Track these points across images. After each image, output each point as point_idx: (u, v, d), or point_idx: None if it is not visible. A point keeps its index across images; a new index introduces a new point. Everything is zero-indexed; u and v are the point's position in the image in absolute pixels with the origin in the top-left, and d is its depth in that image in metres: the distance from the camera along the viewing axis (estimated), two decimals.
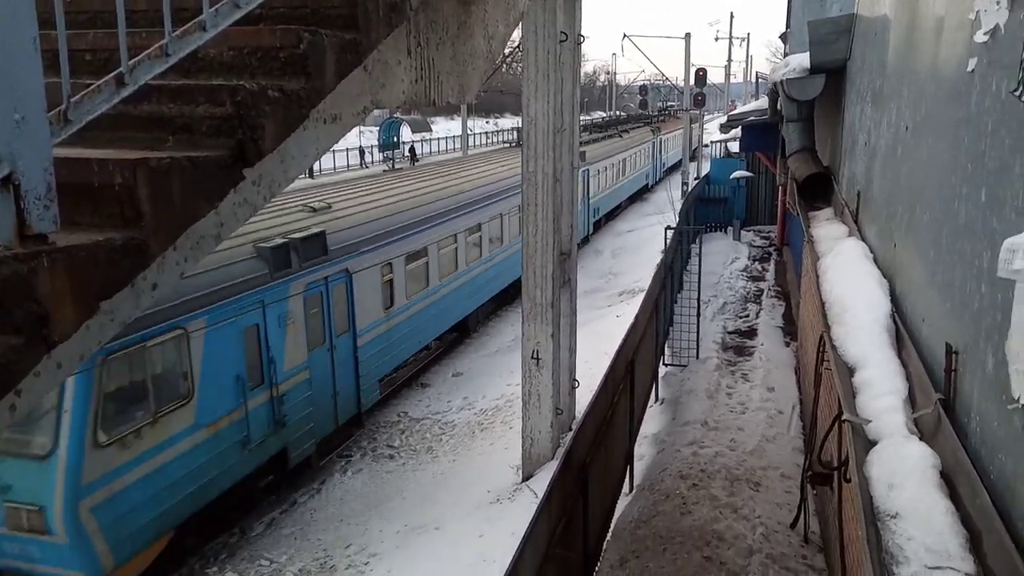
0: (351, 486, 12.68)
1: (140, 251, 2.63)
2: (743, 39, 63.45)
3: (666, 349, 13.99)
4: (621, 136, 40.01)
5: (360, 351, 13.67)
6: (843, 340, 4.56)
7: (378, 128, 51.42)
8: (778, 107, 11.05)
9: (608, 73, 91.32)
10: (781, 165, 13.46)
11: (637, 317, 9.87)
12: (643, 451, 10.31)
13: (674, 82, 53.28)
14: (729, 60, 54.55)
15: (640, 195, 43.78)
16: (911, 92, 4.88)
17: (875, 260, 5.65)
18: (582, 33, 12.21)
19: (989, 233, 2.97)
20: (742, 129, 17.77)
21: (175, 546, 9.86)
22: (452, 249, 17.95)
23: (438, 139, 60.26)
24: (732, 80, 59.95)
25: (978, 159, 3.22)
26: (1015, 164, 2.73)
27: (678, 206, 24.36)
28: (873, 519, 2.92)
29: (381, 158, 49.21)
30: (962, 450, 3.05)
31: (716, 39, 55.99)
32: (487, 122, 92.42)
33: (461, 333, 19.81)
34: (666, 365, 13.67)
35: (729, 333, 15.24)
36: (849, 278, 5.35)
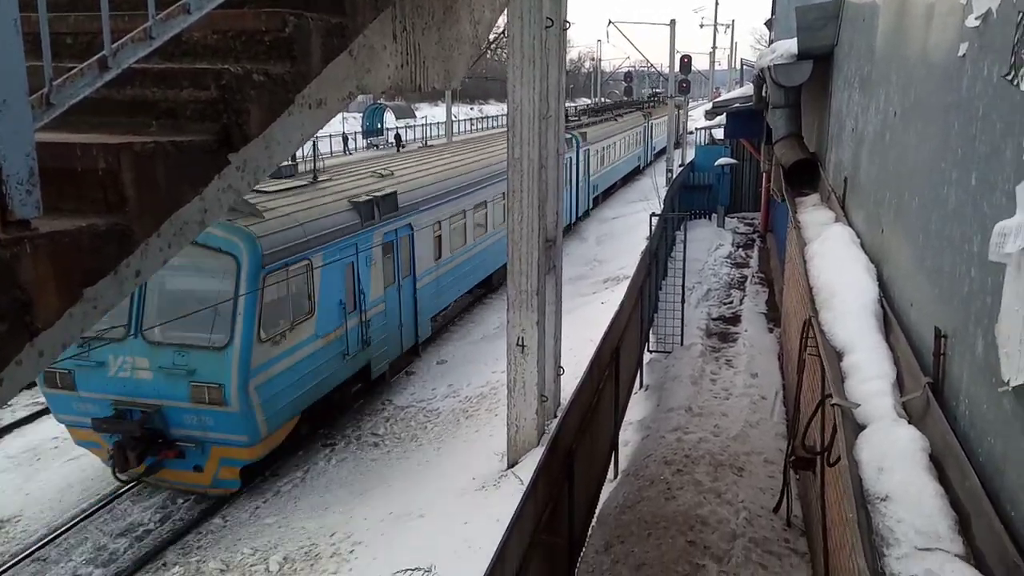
0: (335, 474, 12.65)
1: (124, 237, 2.59)
2: (728, 26, 63.47)
3: (651, 336, 14.02)
4: (616, 120, 41.77)
5: (418, 292, 16.54)
6: (831, 325, 4.58)
7: (362, 114, 51.09)
8: (763, 94, 11.06)
9: (593, 60, 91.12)
10: (765, 152, 13.48)
11: (622, 304, 9.87)
12: (628, 437, 10.34)
13: (659, 69, 53.31)
14: (714, 47, 54.91)
15: (633, 175, 45.82)
16: (900, 78, 4.88)
17: (862, 246, 5.67)
18: (568, 19, 12.15)
19: (979, 217, 2.98)
20: (727, 116, 17.76)
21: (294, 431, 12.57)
22: (483, 214, 20.82)
23: (423, 125, 59.85)
24: (717, 67, 60.05)
25: (968, 144, 3.22)
26: (1006, 148, 2.74)
27: (663, 193, 24.40)
28: (863, 502, 2.94)
29: (364, 145, 48.91)
30: (951, 433, 3.07)
31: (701, 26, 56.11)
32: (472, 108, 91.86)
33: (487, 289, 22.17)
34: (651, 352, 13.71)
35: (713, 320, 15.31)
36: (837, 264, 5.37)
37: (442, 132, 51.25)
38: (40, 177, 2.16)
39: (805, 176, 8.93)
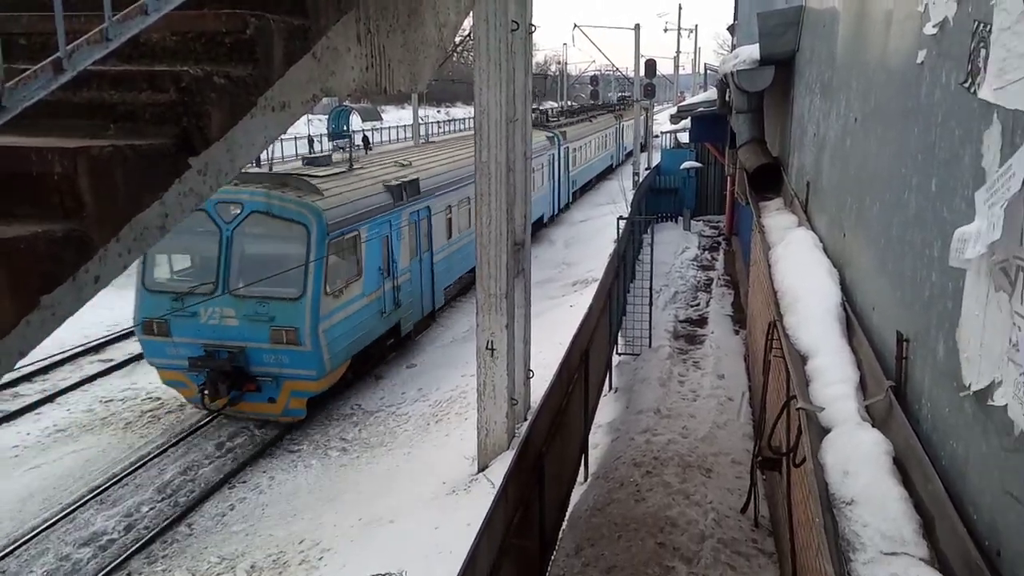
0: (303, 481, 12.52)
1: (82, 243, 2.53)
2: (691, 31, 64.04)
3: (619, 338, 14.07)
4: (591, 121, 44.94)
5: (435, 266, 18.96)
6: (795, 329, 4.62)
7: (327, 116, 50.62)
8: (727, 98, 11.15)
9: (559, 63, 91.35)
10: (730, 156, 13.62)
11: (591, 307, 9.89)
12: (598, 440, 10.36)
13: (624, 72, 53.64)
14: (678, 52, 55.24)
15: (606, 174, 48.90)
16: (860, 84, 4.94)
17: (825, 250, 5.74)
18: (533, 22, 12.15)
19: (939, 223, 3.02)
20: (692, 120, 17.91)
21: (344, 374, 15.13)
22: None
23: (389, 128, 59.49)
24: (681, 71, 60.58)
25: (928, 150, 3.26)
26: (965, 155, 2.77)
27: (630, 196, 24.55)
28: (829, 506, 2.96)
29: (331, 147, 48.49)
30: (914, 436, 3.10)
31: (665, 30, 56.61)
32: (439, 111, 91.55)
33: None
34: (619, 354, 13.76)
35: (680, 322, 15.41)
36: (800, 268, 5.42)
37: (409, 135, 51.05)
38: None
39: (769, 180, 9.02)
